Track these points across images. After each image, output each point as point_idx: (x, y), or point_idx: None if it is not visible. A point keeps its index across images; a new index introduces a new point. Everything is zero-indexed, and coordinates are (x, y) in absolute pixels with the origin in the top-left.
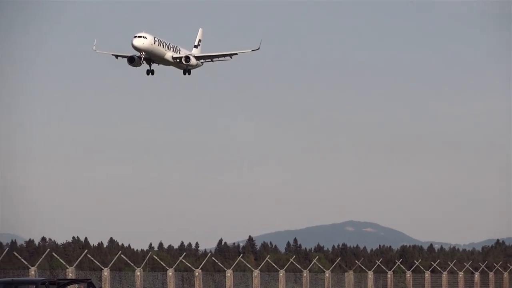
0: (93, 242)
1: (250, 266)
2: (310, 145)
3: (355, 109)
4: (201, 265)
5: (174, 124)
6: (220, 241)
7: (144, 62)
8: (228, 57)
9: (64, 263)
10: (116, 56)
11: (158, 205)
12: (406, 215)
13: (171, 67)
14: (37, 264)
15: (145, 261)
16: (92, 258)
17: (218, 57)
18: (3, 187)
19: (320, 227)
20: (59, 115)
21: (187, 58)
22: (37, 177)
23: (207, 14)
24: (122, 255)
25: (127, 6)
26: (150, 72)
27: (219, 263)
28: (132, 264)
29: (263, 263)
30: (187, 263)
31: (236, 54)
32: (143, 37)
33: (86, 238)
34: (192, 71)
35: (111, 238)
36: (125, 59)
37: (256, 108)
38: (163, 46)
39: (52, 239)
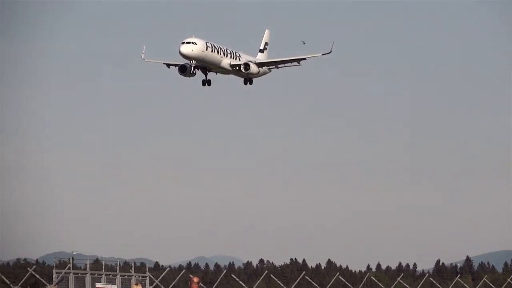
0: (311, 263)
1: (467, 287)
2: None
3: None
4: (419, 286)
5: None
6: (438, 261)
7: (198, 71)
8: (295, 63)
9: (282, 285)
10: (168, 65)
11: (375, 226)
12: None
13: (231, 76)
14: (255, 286)
15: (363, 282)
16: (310, 280)
17: (284, 63)
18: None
19: None
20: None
21: (247, 65)
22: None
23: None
24: (340, 277)
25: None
26: (206, 82)
27: (436, 284)
28: (350, 286)
29: (480, 283)
30: (405, 284)
31: (305, 59)
32: (193, 42)
33: (304, 260)
34: (257, 79)
35: (329, 259)
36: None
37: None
38: (218, 52)
39: (270, 261)
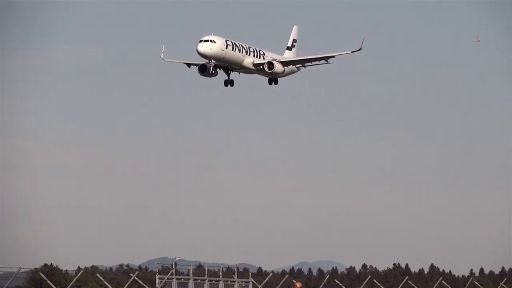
0: (414, 268)
1: None
2: None
3: None
4: None
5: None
6: None
7: (220, 70)
8: (323, 61)
9: None
10: (188, 65)
11: (478, 230)
12: None
13: (255, 76)
14: None
15: (466, 286)
16: (413, 285)
17: (311, 61)
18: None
19: None
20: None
21: (271, 64)
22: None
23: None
24: (443, 281)
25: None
26: (228, 82)
27: None
28: None
29: None
30: None
31: (333, 56)
32: (211, 41)
33: (407, 265)
34: (283, 78)
35: (431, 264)
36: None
37: None
38: (239, 50)
39: (373, 266)
